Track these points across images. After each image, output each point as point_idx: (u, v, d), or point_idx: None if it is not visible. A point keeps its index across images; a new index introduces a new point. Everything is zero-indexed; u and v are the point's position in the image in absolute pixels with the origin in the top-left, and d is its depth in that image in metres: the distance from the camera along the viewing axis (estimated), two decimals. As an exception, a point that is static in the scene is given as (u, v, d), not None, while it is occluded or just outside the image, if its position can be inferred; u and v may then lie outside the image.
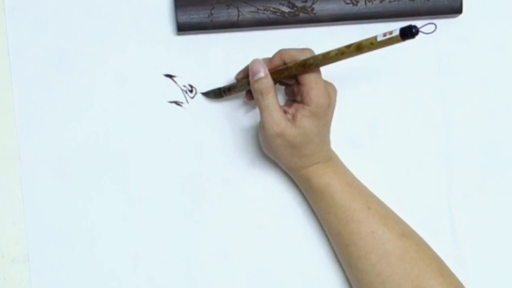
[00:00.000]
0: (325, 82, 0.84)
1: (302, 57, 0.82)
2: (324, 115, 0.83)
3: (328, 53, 0.79)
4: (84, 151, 0.92)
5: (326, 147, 0.87)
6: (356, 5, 0.91)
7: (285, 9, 0.90)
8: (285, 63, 0.83)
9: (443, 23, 0.94)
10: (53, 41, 0.92)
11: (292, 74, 0.83)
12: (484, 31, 0.95)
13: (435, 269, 0.85)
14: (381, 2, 0.91)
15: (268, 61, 0.85)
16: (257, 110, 0.91)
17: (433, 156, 0.95)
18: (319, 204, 0.88)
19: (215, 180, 0.93)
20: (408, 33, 0.72)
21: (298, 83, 0.84)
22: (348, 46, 0.77)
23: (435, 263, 0.85)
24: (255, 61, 0.84)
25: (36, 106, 0.92)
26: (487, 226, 0.95)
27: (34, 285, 0.92)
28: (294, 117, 0.83)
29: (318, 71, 0.82)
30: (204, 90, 0.93)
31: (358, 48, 0.77)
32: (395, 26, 0.93)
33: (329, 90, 0.83)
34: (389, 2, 0.91)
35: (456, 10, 0.92)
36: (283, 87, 0.88)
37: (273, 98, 0.83)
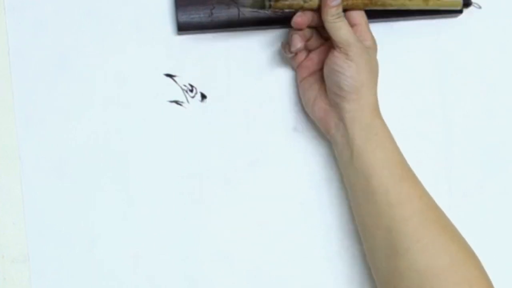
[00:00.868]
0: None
1: None
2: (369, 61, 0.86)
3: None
4: (84, 151, 0.92)
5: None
6: (357, 4, 0.90)
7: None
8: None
9: (443, 23, 0.94)
10: (53, 41, 0.92)
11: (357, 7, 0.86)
12: (484, 31, 0.95)
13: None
14: (381, 1, 0.91)
15: None
16: (257, 111, 0.91)
17: (433, 156, 0.95)
18: (378, 155, 0.85)
19: (215, 180, 0.93)
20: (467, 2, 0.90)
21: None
22: None
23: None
24: None
25: (36, 106, 0.92)
26: (487, 226, 0.95)
27: (34, 285, 0.92)
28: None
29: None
30: (205, 89, 0.93)
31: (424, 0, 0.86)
32: (395, 26, 0.94)
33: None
34: (390, 1, 0.91)
35: (456, 10, 0.92)
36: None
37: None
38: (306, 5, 0.85)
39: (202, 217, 0.93)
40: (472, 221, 0.94)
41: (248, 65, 0.93)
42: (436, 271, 0.81)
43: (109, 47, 0.92)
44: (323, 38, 0.89)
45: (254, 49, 0.92)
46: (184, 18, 0.90)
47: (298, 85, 0.91)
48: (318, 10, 0.85)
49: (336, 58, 0.84)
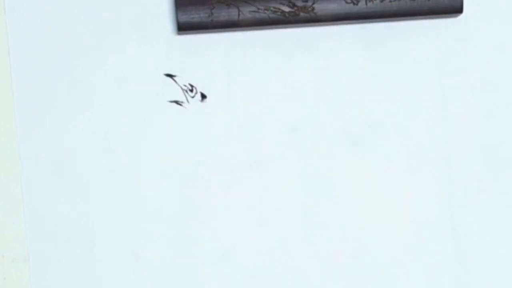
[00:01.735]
0: None
1: None
2: None
3: None
4: (84, 151, 0.92)
5: None
6: (357, 4, 0.91)
7: (286, 9, 0.90)
8: None
9: (443, 23, 0.94)
10: (53, 41, 0.92)
11: None
12: (484, 31, 0.95)
13: None
14: (381, 1, 0.91)
15: None
16: (257, 111, 0.91)
17: (433, 156, 0.95)
18: None
19: (215, 179, 0.93)
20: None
21: None
22: None
23: None
24: None
25: (36, 106, 0.92)
26: (487, 226, 0.95)
27: (34, 285, 0.92)
28: None
29: None
30: (205, 89, 0.93)
31: None
32: (395, 26, 0.94)
33: None
34: (390, 1, 0.91)
35: (456, 10, 0.92)
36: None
37: None
38: None
39: (202, 217, 0.93)
40: (472, 221, 0.94)
41: (248, 65, 0.93)
42: None
43: (109, 47, 0.92)
44: None
45: (254, 49, 0.92)
46: (184, 18, 0.90)
47: None
48: None
49: None
